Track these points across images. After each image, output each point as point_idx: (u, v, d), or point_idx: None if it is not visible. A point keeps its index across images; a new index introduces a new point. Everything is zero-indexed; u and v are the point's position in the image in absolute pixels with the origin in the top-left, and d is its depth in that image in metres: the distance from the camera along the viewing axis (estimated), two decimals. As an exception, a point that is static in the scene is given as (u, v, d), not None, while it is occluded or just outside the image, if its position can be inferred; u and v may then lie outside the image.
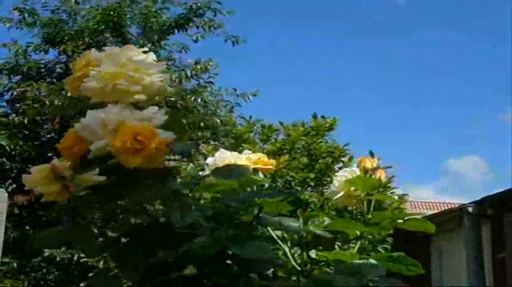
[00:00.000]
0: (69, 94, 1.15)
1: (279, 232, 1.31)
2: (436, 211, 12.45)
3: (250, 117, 8.54)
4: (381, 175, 1.49)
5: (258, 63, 26.48)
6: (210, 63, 8.85)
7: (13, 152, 8.00)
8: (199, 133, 8.32)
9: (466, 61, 34.98)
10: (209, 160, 1.36)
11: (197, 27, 9.02)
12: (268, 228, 1.29)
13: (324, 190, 7.69)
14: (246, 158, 1.36)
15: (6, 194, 3.90)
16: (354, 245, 1.43)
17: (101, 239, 1.17)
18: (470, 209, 8.94)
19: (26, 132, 8.16)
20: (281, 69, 30.08)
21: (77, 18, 8.88)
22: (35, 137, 8.26)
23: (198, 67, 8.76)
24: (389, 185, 7.59)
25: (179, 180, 1.22)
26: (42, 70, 8.64)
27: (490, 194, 9.02)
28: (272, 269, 1.26)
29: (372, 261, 1.30)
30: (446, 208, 14.63)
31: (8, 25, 8.74)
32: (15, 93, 8.36)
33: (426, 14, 34.43)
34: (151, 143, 0.99)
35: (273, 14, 30.69)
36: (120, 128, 0.99)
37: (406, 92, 35.84)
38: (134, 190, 1.06)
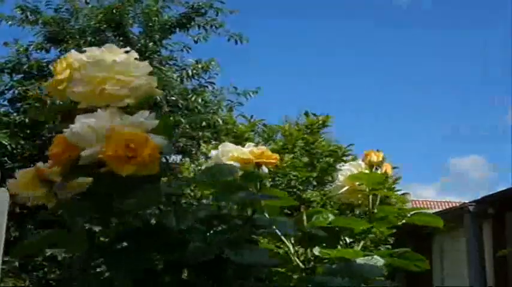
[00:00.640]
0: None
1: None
2: (437, 210, 12.42)
3: (251, 116, 8.50)
4: (387, 169, 1.46)
5: (260, 60, 26.36)
6: (212, 62, 8.84)
7: (14, 151, 8.00)
8: (200, 133, 8.30)
9: (468, 60, 34.89)
10: (212, 152, 1.34)
11: (199, 26, 9.00)
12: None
13: (326, 189, 7.65)
14: (249, 152, 1.33)
15: (7, 193, 3.89)
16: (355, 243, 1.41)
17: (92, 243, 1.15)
18: (471, 208, 8.94)
19: (28, 131, 8.16)
20: (283, 65, 29.96)
21: (79, 17, 8.87)
22: (36, 136, 8.26)
23: (199, 66, 8.74)
24: (395, 184, 7.54)
25: (179, 180, 1.20)
26: (44, 69, 8.63)
27: (492, 193, 9.03)
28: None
29: (376, 257, 1.29)
30: (447, 207, 14.63)
31: (10, 23, 8.74)
32: (16, 92, 8.35)
33: (426, 14, 34.33)
34: (144, 150, 0.96)
35: (273, 14, 30.55)
36: (112, 135, 0.97)
37: (406, 92, 35.77)
38: (127, 196, 1.04)
